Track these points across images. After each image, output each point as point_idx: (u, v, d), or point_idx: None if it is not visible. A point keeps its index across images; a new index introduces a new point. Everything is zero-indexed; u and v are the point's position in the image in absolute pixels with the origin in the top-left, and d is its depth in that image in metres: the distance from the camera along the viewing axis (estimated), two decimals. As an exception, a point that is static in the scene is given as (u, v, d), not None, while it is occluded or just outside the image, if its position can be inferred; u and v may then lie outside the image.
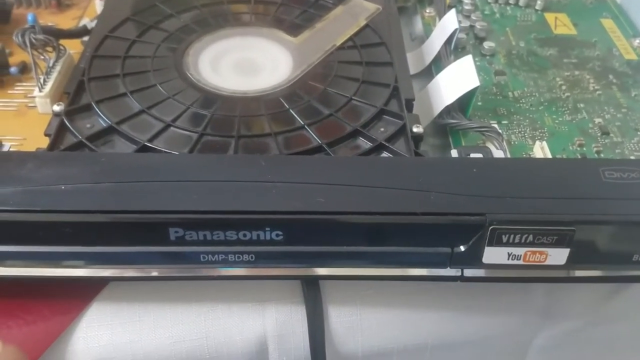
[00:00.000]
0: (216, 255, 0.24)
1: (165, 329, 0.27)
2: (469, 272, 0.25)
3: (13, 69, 0.35)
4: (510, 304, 0.29)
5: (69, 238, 0.23)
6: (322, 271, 0.25)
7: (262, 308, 0.28)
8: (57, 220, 0.22)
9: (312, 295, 0.28)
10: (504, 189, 0.23)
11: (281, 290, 0.28)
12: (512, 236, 0.23)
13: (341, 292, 0.28)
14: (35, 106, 0.32)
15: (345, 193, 0.23)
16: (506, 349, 0.31)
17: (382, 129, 0.28)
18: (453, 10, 0.36)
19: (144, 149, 0.26)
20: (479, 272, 0.25)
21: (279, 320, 0.28)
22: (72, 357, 0.26)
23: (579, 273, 0.25)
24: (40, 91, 0.32)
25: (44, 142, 0.28)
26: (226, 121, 0.28)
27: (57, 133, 0.26)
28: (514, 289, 0.29)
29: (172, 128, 0.27)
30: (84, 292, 0.27)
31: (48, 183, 0.23)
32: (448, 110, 0.32)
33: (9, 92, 0.34)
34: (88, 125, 0.27)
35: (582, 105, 0.35)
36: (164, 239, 0.23)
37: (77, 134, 0.26)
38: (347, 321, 0.28)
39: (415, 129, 0.27)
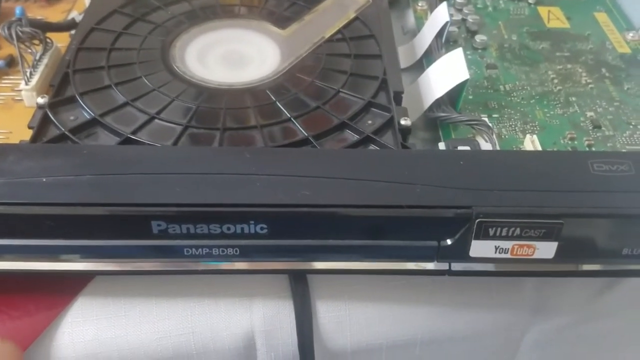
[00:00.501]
0: (200, 249, 0.24)
1: (151, 324, 0.27)
2: (456, 266, 0.25)
3: (0, 63, 0.34)
4: (500, 300, 0.29)
5: (51, 231, 0.23)
6: (307, 265, 0.25)
7: (250, 303, 0.27)
8: (39, 213, 0.22)
9: (300, 290, 0.27)
10: (491, 181, 0.23)
11: (268, 285, 0.28)
12: (499, 229, 0.23)
13: (329, 286, 0.28)
14: (21, 99, 0.32)
15: (330, 186, 0.23)
16: (497, 345, 0.31)
17: (369, 122, 0.28)
18: (444, 4, 0.36)
19: (127, 141, 0.26)
20: (467, 266, 0.24)
21: (267, 315, 0.27)
22: (57, 352, 0.26)
23: (568, 267, 0.25)
24: (26, 84, 0.31)
25: (30, 135, 0.27)
26: (212, 113, 0.27)
27: (40, 125, 0.26)
28: (504, 284, 0.29)
29: (156, 120, 0.27)
30: (69, 287, 0.27)
31: (29, 175, 0.22)
32: (438, 103, 0.32)
33: (-5, 85, 0.34)
34: (72, 118, 0.27)
35: (574, 98, 0.35)
36: (146, 232, 0.23)
37: (60, 126, 0.26)
38: (335, 316, 0.28)
39: (403, 122, 0.27)
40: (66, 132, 0.25)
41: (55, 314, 0.26)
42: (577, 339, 0.31)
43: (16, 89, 0.33)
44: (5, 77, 0.34)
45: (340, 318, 0.28)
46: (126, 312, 0.27)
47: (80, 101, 0.27)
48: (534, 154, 0.27)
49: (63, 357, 0.26)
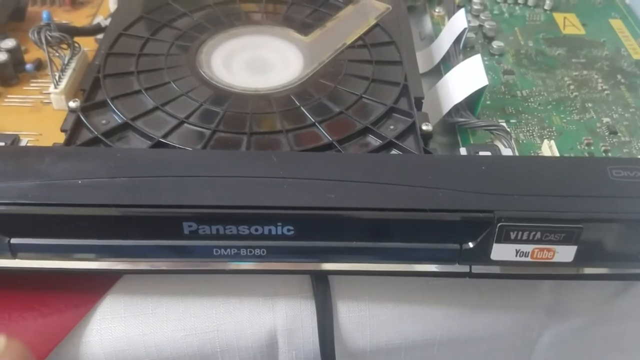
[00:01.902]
0: (228, 250, 0.24)
1: (177, 321, 0.27)
2: (477, 269, 0.25)
3: (28, 66, 0.35)
4: (517, 301, 0.29)
5: (85, 231, 0.24)
6: (332, 266, 0.25)
7: (273, 302, 0.28)
8: (74, 213, 0.23)
9: (322, 290, 0.28)
10: (512, 186, 0.24)
11: (291, 285, 0.28)
12: (520, 233, 0.23)
13: (350, 287, 0.29)
14: (50, 102, 0.33)
15: (355, 189, 0.24)
16: (513, 346, 0.31)
17: (391, 127, 0.28)
18: (462, 10, 0.37)
19: (158, 145, 0.27)
20: (487, 269, 0.25)
21: (289, 315, 0.28)
22: (86, 349, 0.27)
23: (586, 270, 0.26)
24: (55, 88, 0.32)
25: (60, 138, 0.28)
26: (238, 118, 0.28)
27: (74, 129, 0.27)
28: (521, 286, 0.29)
29: (185, 125, 0.28)
30: (97, 285, 0.28)
31: (65, 177, 0.23)
32: (457, 108, 0.32)
33: (25, 88, 0.35)
34: (103, 122, 0.27)
35: (590, 104, 0.35)
36: (177, 233, 0.24)
37: (93, 129, 0.27)
38: (356, 316, 0.29)
39: (424, 127, 0.28)
40: (99, 136, 0.26)
41: (84, 312, 0.27)
42: (592, 341, 0.32)
43: (45, 92, 0.34)
44: (34, 80, 0.35)
45: (360, 318, 0.29)
46: (153, 310, 0.27)
47: (111, 105, 0.28)
48: (553, 159, 0.28)
49: (92, 354, 0.27)
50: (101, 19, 0.37)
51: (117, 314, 0.27)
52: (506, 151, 0.28)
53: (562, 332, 0.31)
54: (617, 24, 0.42)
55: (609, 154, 0.32)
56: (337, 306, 0.28)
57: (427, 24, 0.42)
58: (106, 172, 0.23)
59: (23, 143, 0.27)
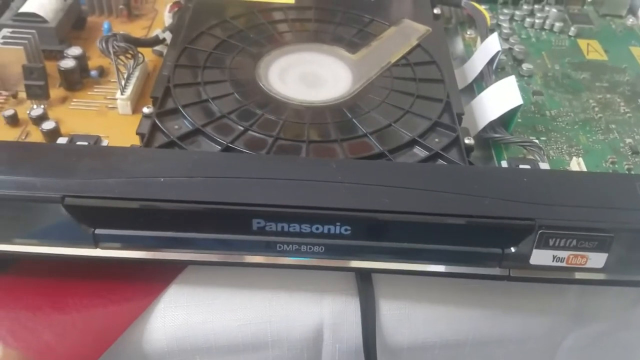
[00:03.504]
0: (291, 246, 0.27)
1: (233, 312, 0.30)
2: (515, 273, 0.28)
3: (93, 73, 0.38)
4: (546, 305, 0.31)
5: (163, 224, 0.26)
6: (382, 265, 0.28)
7: (320, 298, 0.30)
8: (156, 208, 0.25)
9: (366, 288, 0.30)
10: (551, 197, 0.26)
11: (338, 283, 0.31)
12: (558, 240, 0.26)
13: (393, 287, 0.31)
14: (115, 107, 0.36)
15: (408, 195, 0.26)
16: (538, 348, 0.33)
17: (436, 140, 0.31)
18: (495, 34, 0.39)
19: (227, 149, 0.29)
20: (525, 273, 0.27)
21: (335, 310, 0.30)
22: (149, 334, 0.29)
23: (614, 276, 0.28)
24: (122, 94, 0.35)
25: (128, 140, 0.31)
26: (296, 127, 0.31)
27: (150, 132, 0.29)
28: (550, 291, 0.31)
29: (250, 132, 0.30)
30: (162, 276, 0.30)
31: (148, 175, 0.26)
32: (491, 125, 0.35)
33: (89, 93, 0.37)
34: (176, 127, 0.30)
35: (613, 126, 0.38)
36: (246, 228, 0.26)
37: (168, 134, 0.29)
38: (396, 314, 0.31)
39: (467, 141, 0.30)
40: (175, 139, 0.29)
41: (150, 301, 0.29)
42: (613, 345, 0.34)
43: (109, 97, 0.37)
44: (97, 86, 0.38)
45: (400, 316, 0.31)
46: (212, 300, 0.30)
47: (182, 112, 0.31)
48: (587, 174, 0.30)
49: (155, 340, 0.29)
50: (159, 32, 0.40)
51: (180, 303, 0.29)
52: (543, 165, 0.30)
53: (584, 336, 0.33)
54: (637, 51, 0.45)
55: (632, 172, 0.34)
56: (379, 304, 0.31)
57: (459, 46, 0.45)
58: (185, 172, 0.26)
59: (104, 144, 0.29)
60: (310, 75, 0.35)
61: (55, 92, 0.37)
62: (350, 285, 0.31)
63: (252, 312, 0.30)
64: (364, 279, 0.30)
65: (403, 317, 0.31)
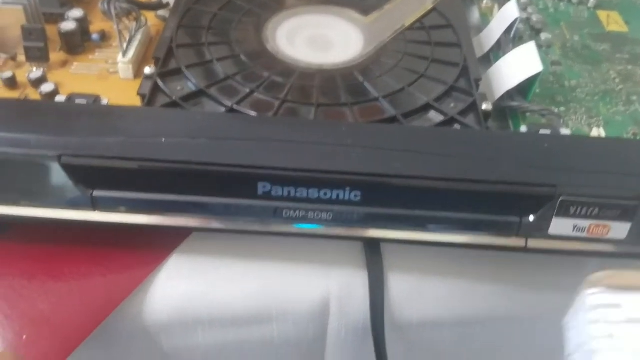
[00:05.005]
0: (298, 212, 0.25)
1: (237, 283, 0.28)
2: (532, 243, 0.26)
3: (95, 36, 0.37)
4: (562, 281, 0.30)
5: (164, 187, 0.25)
6: (392, 234, 0.27)
7: (328, 271, 0.29)
8: (158, 169, 0.24)
9: (375, 261, 0.29)
10: (573, 163, 0.25)
11: (345, 255, 0.29)
12: (579, 208, 0.24)
13: (402, 260, 0.30)
14: (116, 72, 0.34)
15: (421, 159, 0.25)
16: (553, 325, 0.32)
17: (452, 105, 0.29)
18: (513, 1, 0.38)
19: (231, 111, 0.28)
20: (543, 243, 0.26)
21: (342, 283, 0.29)
22: (149, 305, 0.28)
23: (636, 249, 0.27)
24: (123, 57, 0.34)
25: (130, 104, 0.30)
26: (305, 91, 0.29)
27: (152, 93, 0.28)
28: (567, 267, 0.30)
29: (255, 94, 0.29)
30: (163, 245, 0.29)
31: (149, 135, 0.24)
32: (509, 94, 0.33)
33: (90, 57, 0.36)
34: (178, 88, 0.29)
35: (634, 97, 0.36)
36: (251, 193, 0.25)
37: (170, 94, 0.28)
38: (406, 289, 0.29)
39: (484, 106, 0.29)
40: (177, 100, 0.28)
41: (150, 270, 0.28)
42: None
43: (110, 61, 0.35)
44: (98, 50, 0.37)
45: (410, 291, 0.30)
46: (215, 271, 0.29)
47: (185, 73, 0.29)
48: (611, 140, 0.29)
49: (155, 310, 0.28)
50: (163, -5, 0.39)
51: (181, 273, 0.28)
52: (564, 131, 0.29)
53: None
54: (659, 23, 0.43)
55: (655, 144, 0.33)
56: (388, 278, 0.29)
57: (475, 14, 0.43)
58: (187, 132, 0.25)
59: (104, 103, 0.28)
60: (320, 38, 0.34)
61: (56, 55, 0.35)
62: (358, 258, 0.29)
63: (257, 284, 0.29)
64: (373, 251, 0.29)
65: (413, 292, 0.30)
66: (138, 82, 0.32)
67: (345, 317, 0.30)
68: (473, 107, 0.29)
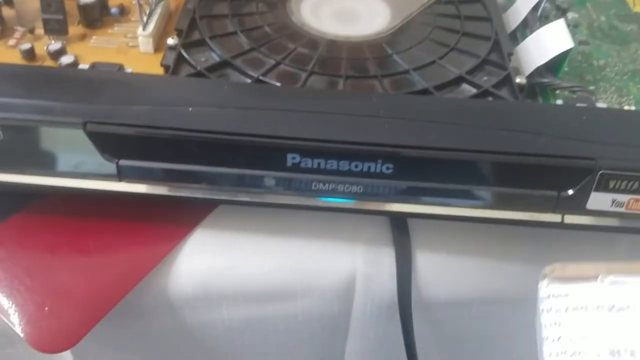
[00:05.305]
0: (327, 185, 0.25)
1: (262, 258, 0.28)
2: (569, 219, 0.25)
3: (114, 10, 0.36)
4: (593, 259, 0.29)
5: (191, 158, 0.24)
6: (425, 209, 0.26)
7: (354, 247, 0.29)
8: (185, 139, 0.23)
9: (402, 238, 0.28)
10: (612, 136, 0.24)
11: (373, 232, 0.29)
12: (619, 182, 0.24)
13: (429, 237, 0.29)
14: (135, 45, 0.34)
15: (456, 131, 0.24)
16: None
17: (485, 78, 0.29)
18: (541, -22, 0.37)
19: (257, 82, 0.27)
20: (579, 219, 0.25)
21: (369, 260, 0.29)
22: (175, 279, 0.28)
23: (676, 226, 0.26)
24: (143, 30, 0.33)
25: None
26: (332, 63, 0.29)
27: (176, 64, 0.27)
28: (599, 245, 0.29)
29: (282, 66, 0.28)
30: (189, 218, 0.28)
31: (176, 104, 0.24)
32: (539, 70, 0.32)
33: (109, 31, 0.35)
34: (202, 59, 0.28)
35: (665, 78, 0.35)
36: (280, 164, 0.24)
37: (195, 64, 0.27)
38: (433, 266, 0.29)
39: (518, 80, 0.28)
40: (202, 70, 0.27)
41: (175, 243, 0.28)
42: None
43: (130, 35, 0.35)
44: (117, 24, 0.36)
45: (437, 268, 0.29)
46: (240, 245, 0.28)
47: (209, 44, 0.29)
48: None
49: (180, 284, 0.28)
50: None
51: (207, 247, 0.28)
52: (600, 105, 0.28)
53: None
54: (688, 3, 0.42)
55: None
56: (415, 255, 0.29)
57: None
58: (215, 101, 0.24)
59: (128, 72, 0.27)
60: (346, 11, 0.33)
61: (74, 29, 0.35)
62: (385, 235, 0.29)
63: (282, 259, 0.28)
64: (400, 227, 0.29)
65: (440, 270, 0.29)
66: (158, 55, 0.31)
67: (371, 293, 0.29)
68: (507, 80, 0.28)
